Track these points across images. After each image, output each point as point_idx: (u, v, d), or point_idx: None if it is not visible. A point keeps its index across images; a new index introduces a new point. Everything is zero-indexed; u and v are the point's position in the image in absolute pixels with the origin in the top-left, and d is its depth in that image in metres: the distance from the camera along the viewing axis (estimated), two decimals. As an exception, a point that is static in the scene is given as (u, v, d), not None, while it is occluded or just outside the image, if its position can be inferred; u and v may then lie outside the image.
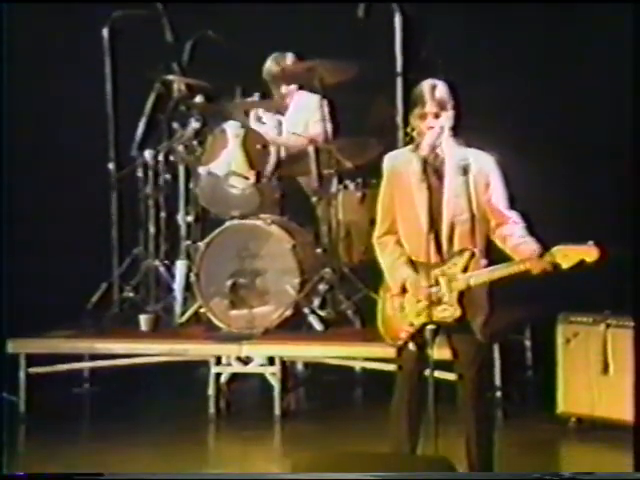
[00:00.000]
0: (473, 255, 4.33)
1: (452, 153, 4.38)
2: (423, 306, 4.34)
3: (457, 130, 4.41)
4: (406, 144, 4.51)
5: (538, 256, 4.26)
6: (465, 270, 4.33)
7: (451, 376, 4.47)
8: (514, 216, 4.40)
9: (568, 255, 4.25)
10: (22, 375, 6.15)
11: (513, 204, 4.43)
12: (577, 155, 6.63)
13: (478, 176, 4.37)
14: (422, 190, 4.34)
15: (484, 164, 4.39)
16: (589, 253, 4.25)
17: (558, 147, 6.65)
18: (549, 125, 6.69)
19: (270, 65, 6.59)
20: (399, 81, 6.91)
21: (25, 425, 6.03)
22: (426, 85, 4.38)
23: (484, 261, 4.38)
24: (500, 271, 4.33)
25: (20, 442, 5.86)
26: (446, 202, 4.35)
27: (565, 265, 4.26)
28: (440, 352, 4.35)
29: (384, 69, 6.89)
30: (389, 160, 4.47)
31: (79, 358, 6.41)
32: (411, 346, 4.36)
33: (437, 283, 4.32)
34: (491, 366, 6.06)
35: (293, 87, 6.69)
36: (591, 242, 4.27)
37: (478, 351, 4.41)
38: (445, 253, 4.35)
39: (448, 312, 4.32)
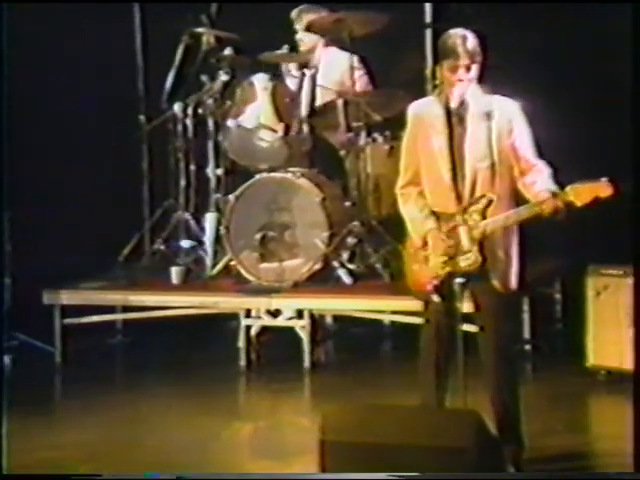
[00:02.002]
0: (491, 202, 4.31)
1: (476, 100, 4.36)
2: (446, 257, 4.34)
3: (482, 79, 4.37)
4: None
5: (551, 196, 4.23)
6: (483, 217, 4.32)
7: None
8: (540, 164, 4.36)
9: (581, 193, 4.22)
10: (57, 326, 6.23)
11: (540, 151, 4.39)
12: (593, 95, 6.53)
13: (501, 122, 4.34)
14: (444, 137, 4.33)
15: (508, 110, 4.36)
16: (602, 189, 4.23)
17: (573, 86, 6.56)
18: (569, 68, 6.60)
19: (303, 11, 6.52)
20: (428, 33, 6.84)
21: (61, 375, 6.11)
22: (457, 37, 4.33)
23: (506, 208, 4.34)
24: (515, 216, 4.31)
25: (56, 392, 5.95)
26: (468, 148, 4.33)
27: (579, 203, 4.24)
28: (466, 306, 4.36)
29: (413, 20, 6.82)
30: (413, 109, 4.46)
31: (111, 309, 6.47)
32: (435, 297, 4.36)
33: (457, 233, 4.31)
34: (520, 319, 6.08)
35: (321, 40, 6.63)
36: (604, 179, 4.23)
37: (500, 303, 4.39)
38: (466, 202, 4.34)
39: (470, 260, 4.31)
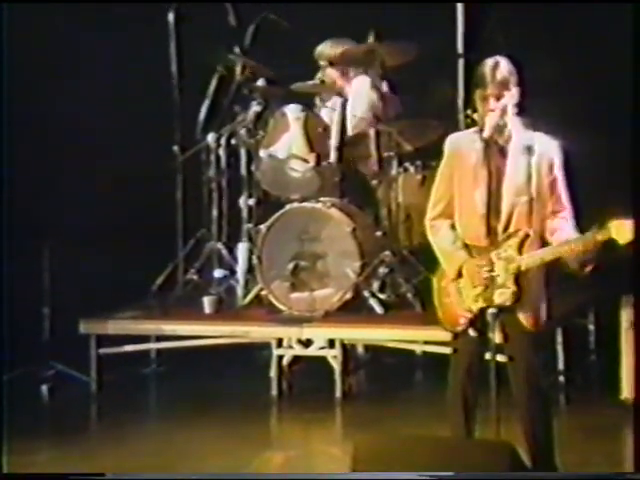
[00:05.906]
0: (527, 237, 4.29)
1: (518, 134, 4.34)
2: (480, 291, 4.32)
3: (523, 109, 4.34)
4: (467, 126, 4.48)
5: (593, 233, 4.19)
6: (520, 252, 4.29)
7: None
8: (568, 211, 4.32)
9: (623, 230, 4.14)
10: (93, 355, 6.27)
11: (574, 196, 4.37)
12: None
13: (541, 159, 4.31)
14: (483, 171, 4.31)
15: (548, 148, 4.33)
16: None
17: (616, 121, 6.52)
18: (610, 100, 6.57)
19: (324, 48, 6.57)
20: (460, 62, 6.86)
21: (96, 405, 6.14)
22: (487, 65, 4.32)
23: (539, 244, 4.32)
24: (554, 251, 4.27)
25: (91, 421, 5.98)
26: (507, 183, 4.31)
27: (621, 241, 4.16)
28: (497, 336, 4.33)
29: (445, 50, 6.84)
30: (451, 141, 4.44)
31: (146, 338, 6.50)
32: (471, 332, 4.34)
33: (493, 266, 4.29)
34: (554, 350, 6.03)
35: (351, 71, 6.66)
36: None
37: (529, 335, 4.35)
38: (500, 236, 4.31)
39: (506, 295, 4.28)
